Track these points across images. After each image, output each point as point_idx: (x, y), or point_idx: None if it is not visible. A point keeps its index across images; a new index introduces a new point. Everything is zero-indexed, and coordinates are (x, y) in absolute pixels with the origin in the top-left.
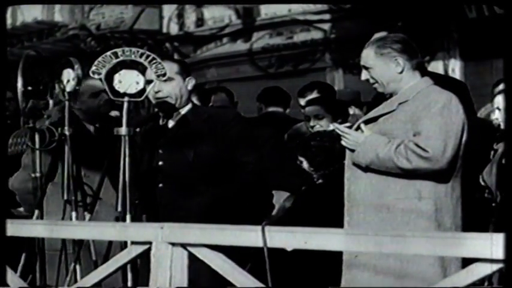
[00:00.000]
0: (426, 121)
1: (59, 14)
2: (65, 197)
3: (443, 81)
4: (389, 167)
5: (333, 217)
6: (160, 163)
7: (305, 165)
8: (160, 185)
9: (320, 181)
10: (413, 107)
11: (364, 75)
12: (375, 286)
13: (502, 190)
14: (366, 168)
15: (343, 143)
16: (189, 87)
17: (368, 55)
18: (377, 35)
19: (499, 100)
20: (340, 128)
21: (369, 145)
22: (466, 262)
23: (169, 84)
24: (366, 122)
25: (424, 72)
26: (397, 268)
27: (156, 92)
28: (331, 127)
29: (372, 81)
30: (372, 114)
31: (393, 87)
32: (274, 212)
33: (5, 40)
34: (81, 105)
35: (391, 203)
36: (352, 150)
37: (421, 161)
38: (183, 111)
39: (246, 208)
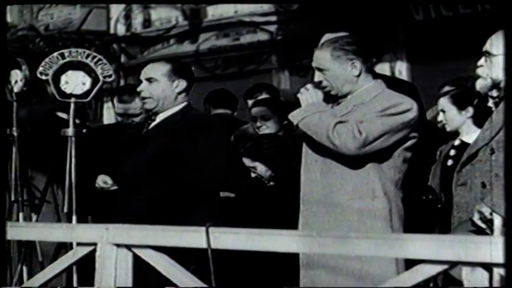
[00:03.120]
0: (375, 115)
1: (9, 14)
2: (12, 198)
3: (394, 83)
4: (319, 134)
5: (282, 219)
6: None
7: (260, 169)
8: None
9: (271, 183)
10: (368, 109)
11: (318, 77)
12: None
13: (446, 192)
14: (320, 171)
15: (298, 95)
16: (177, 90)
17: (323, 57)
18: (327, 36)
19: (443, 102)
20: (247, 162)
21: (316, 107)
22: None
23: (152, 86)
24: None
25: (375, 74)
26: (356, 269)
27: (140, 92)
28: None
29: (325, 83)
30: None
31: (348, 89)
32: None
33: (5, 40)
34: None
35: (345, 204)
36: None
37: (350, 140)
38: (168, 113)
39: (190, 203)
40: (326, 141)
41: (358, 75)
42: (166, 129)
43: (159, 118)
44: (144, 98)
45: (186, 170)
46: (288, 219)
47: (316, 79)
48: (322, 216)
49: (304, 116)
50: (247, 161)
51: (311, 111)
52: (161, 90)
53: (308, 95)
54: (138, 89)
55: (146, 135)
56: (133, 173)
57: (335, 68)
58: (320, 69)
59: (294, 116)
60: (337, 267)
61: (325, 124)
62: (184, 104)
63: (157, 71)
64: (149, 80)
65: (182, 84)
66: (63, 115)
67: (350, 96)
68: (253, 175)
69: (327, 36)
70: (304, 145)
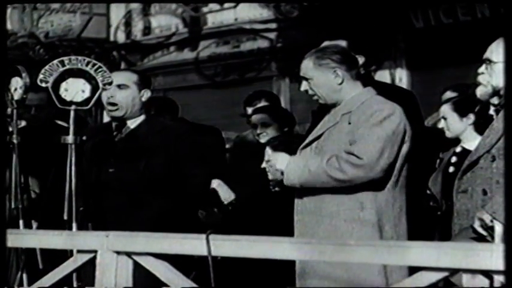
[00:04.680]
0: (364, 130)
1: (9, 21)
2: (12, 205)
3: (391, 91)
4: (324, 181)
5: (282, 226)
6: (110, 171)
7: (273, 163)
8: (109, 193)
9: (276, 189)
10: (356, 118)
11: (304, 86)
12: None
13: (447, 199)
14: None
15: (277, 166)
16: (143, 99)
17: (307, 66)
18: (326, 44)
19: (444, 109)
20: (269, 152)
21: (295, 163)
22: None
23: (123, 92)
24: (314, 139)
25: (370, 82)
26: (344, 277)
27: (109, 98)
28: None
29: (311, 92)
30: (317, 131)
31: (334, 98)
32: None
33: (5, 40)
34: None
35: (334, 214)
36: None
37: (356, 169)
38: (137, 121)
39: (193, 221)
40: (337, 183)
41: (341, 83)
42: (154, 139)
43: (132, 125)
44: (113, 104)
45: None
46: (290, 227)
47: (302, 88)
48: (313, 226)
49: (294, 178)
50: (269, 152)
51: (293, 171)
52: (132, 98)
53: (277, 160)
54: (108, 95)
55: (130, 142)
56: (136, 184)
57: (318, 76)
58: (305, 79)
59: (289, 181)
60: (328, 276)
61: (319, 171)
62: (145, 113)
63: (128, 78)
64: (119, 86)
65: (147, 94)
66: (63, 122)
67: (339, 106)
68: (263, 165)
69: (325, 44)
70: (298, 153)
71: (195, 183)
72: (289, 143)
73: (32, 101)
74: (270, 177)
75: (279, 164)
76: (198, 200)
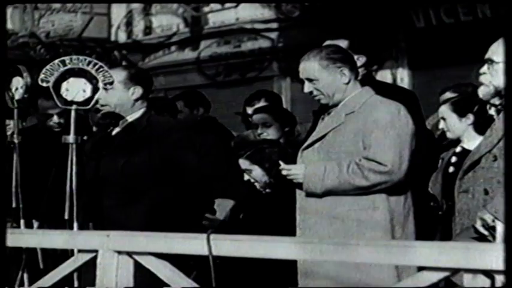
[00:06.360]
0: (379, 134)
1: (10, 21)
2: (13, 205)
3: (393, 91)
4: (347, 189)
5: (280, 226)
6: (100, 171)
7: (255, 173)
8: (101, 191)
9: (268, 190)
10: (362, 119)
11: (307, 87)
12: None
13: (447, 199)
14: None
15: (294, 180)
16: (134, 97)
17: (311, 68)
18: (327, 44)
19: (443, 110)
20: (284, 167)
21: (314, 173)
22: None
23: (108, 93)
24: (317, 140)
25: (372, 82)
26: (356, 277)
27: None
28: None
29: (315, 93)
30: (319, 132)
31: (338, 98)
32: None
33: (5, 40)
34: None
35: (345, 215)
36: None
37: (380, 176)
38: (134, 116)
39: (187, 211)
40: (360, 190)
41: (348, 83)
42: (140, 135)
43: (121, 125)
44: (101, 106)
45: (185, 176)
46: (284, 228)
47: (306, 90)
48: (322, 227)
49: (316, 189)
50: (246, 163)
51: (313, 182)
52: (117, 98)
53: (294, 172)
54: (95, 97)
55: (116, 142)
56: (119, 181)
57: (325, 77)
58: (310, 80)
59: (310, 190)
60: (334, 276)
61: (341, 180)
62: (143, 110)
63: (114, 78)
64: None
65: (138, 91)
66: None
67: (340, 106)
68: (246, 177)
69: (324, 44)
70: (299, 155)
71: (188, 180)
72: (261, 149)
73: (54, 109)
74: (258, 186)
75: (299, 177)
76: (193, 196)
